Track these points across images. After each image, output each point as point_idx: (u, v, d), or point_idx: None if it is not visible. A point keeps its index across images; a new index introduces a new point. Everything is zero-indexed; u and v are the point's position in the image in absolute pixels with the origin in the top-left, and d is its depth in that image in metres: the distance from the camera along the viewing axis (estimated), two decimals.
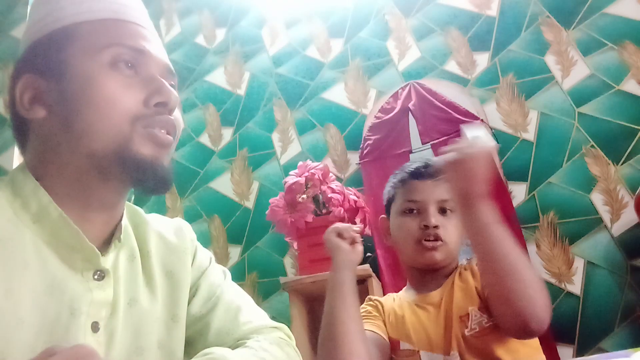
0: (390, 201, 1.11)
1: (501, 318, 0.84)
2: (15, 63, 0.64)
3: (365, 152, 2.10)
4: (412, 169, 1.08)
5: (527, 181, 1.92)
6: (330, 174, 1.94)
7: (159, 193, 0.62)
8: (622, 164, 1.82)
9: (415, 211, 1.03)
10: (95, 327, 0.57)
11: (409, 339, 0.96)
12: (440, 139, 1.97)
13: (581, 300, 1.71)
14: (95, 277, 0.59)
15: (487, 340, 0.89)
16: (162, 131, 0.61)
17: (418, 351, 0.94)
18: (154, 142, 0.59)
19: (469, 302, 0.94)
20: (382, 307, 1.03)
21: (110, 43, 0.60)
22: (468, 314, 0.93)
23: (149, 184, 0.60)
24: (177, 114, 0.64)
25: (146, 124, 0.59)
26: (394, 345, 0.97)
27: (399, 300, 1.04)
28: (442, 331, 0.94)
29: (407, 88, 2.13)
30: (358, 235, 0.96)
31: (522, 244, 1.77)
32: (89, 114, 0.57)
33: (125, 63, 0.61)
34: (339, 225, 0.97)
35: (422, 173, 1.06)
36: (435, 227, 0.99)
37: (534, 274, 0.82)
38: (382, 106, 2.16)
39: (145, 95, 0.60)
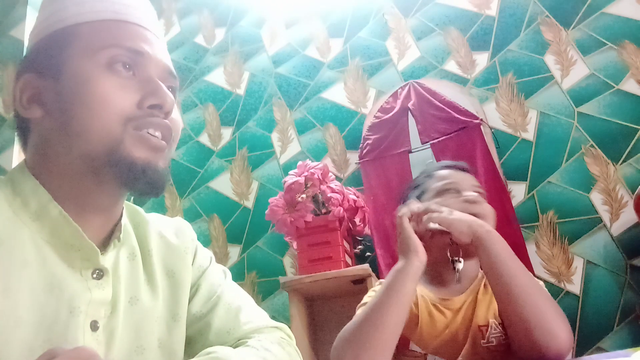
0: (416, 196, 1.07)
1: (519, 348, 0.82)
2: (19, 62, 0.64)
3: (364, 151, 2.10)
4: (441, 165, 1.10)
5: (526, 181, 1.92)
6: (330, 174, 1.94)
7: (151, 196, 0.61)
8: (621, 164, 1.82)
9: (452, 190, 1.00)
10: (94, 325, 0.57)
11: (420, 342, 0.94)
12: (440, 139, 1.97)
13: (580, 299, 1.71)
14: (94, 275, 0.59)
15: (500, 358, 0.88)
16: (156, 133, 0.60)
17: (425, 355, 0.92)
18: (146, 145, 0.59)
19: (490, 314, 0.93)
20: None
21: (108, 44, 0.60)
22: (487, 325, 0.91)
23: (141, 186, 0.59)
24: (176, 114, 0.64)
25: (138, 126, 0.58)
26: (403, 342, 0.94)
27: (416, 294, 1.00)
28: (453, 337, 0.92)
29: (407, 88, 2.13)
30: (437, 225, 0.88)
31: (522, 243, 1.77)
32: (82, 115, 0.57)
33: (123, 64, 0.60)
34: (414, 207, 0.86)
35: (452, 165, 1.08)
36: (475, 202, 0.96)
37: (552, 304, 0.80)
38: (381, 106, 2.16)
39: (140, 97, 0.60)
